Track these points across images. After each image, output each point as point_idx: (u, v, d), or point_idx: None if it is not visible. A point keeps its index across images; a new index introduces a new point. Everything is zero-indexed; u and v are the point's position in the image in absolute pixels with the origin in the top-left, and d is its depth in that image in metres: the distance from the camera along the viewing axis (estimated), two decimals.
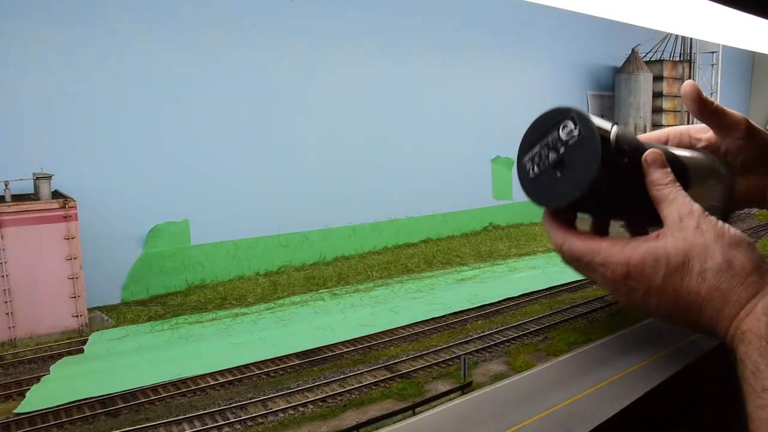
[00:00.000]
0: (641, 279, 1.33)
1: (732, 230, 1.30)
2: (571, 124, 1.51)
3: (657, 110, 7.81)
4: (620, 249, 1.37)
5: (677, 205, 1.36)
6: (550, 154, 1.56)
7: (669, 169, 1.44)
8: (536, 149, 1.56)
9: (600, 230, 1.57)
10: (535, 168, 1.57)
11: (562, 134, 1.55)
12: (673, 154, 1.64)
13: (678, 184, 1.41)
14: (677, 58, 8.15)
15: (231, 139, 3.94)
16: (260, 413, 1.73)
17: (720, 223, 1.31)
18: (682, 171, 1.60)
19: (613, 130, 1.48)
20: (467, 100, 5.38)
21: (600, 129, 1.49)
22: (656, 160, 1.46)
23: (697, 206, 1.34)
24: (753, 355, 1.10)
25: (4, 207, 2.49)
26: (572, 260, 1.47)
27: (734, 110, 1.75)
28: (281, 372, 2.10)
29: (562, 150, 1.52)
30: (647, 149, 1.54)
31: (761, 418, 1.03)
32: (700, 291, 1.26)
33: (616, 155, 1.45)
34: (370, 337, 2.44)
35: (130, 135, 3.50)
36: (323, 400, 1.78)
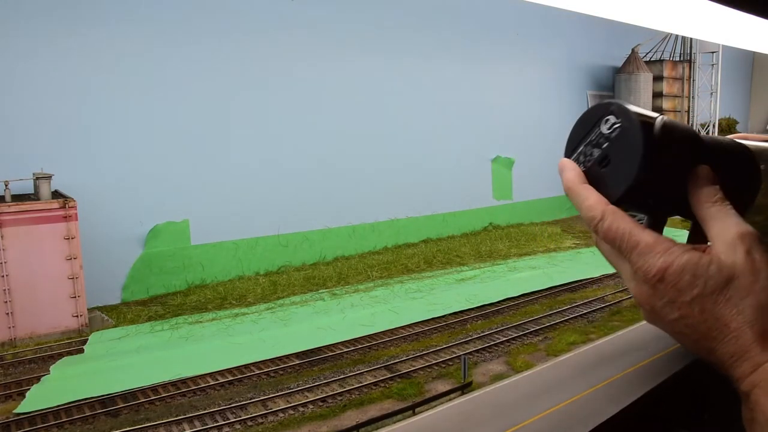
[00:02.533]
0: (672, 288, 1.25)
1: None
2: (612, 118, 1.50)
3: (657, 110, 7.85)
4: (663, 249, 1.27)
5: (727, 225, 1.27)
6: (594, 151, 1.53)
7: (717, 188, 1.34)
8: (581, 147, 1.56)
9: (655, 229, 1.50)
10: (581, 167, 1.57)
11: (605, 129, 1.51)
12: (743, 146, 1.59)
13: (727, 203, 1.31)
14: (677, 58, 8.17)
15: (231, 139, 3.94)
16: (260, 413, 1.72)
17: None
18: (750, 166, 1.55)
19: (659, 120, 1.46)
20: (467, 100, 5.39)
21: (642, 117, 1.48)
22: (703, 177, 1.35)
23: (750, 229, 1.25)
24: None
25: (4, 207, 2.48)
26: (607, 239, 1.35)
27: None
28: (281, 372, 2.09)
29: (605, 145, 1.52)
30: (705, 141, 1.50)
31: None
32: (730, 323, 1.18)
33: (662, 145, 1.44)
34: (370, 337, 2.43)
35: (131, 136, 3.50)
36: (323, 400, 1.77)
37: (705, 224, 1.31)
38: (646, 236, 1.33)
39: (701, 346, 1.24)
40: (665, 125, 1.48)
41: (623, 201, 1.51)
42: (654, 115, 1.54)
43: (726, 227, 1.26)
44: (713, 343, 1.22)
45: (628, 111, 1.51)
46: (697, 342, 1.25)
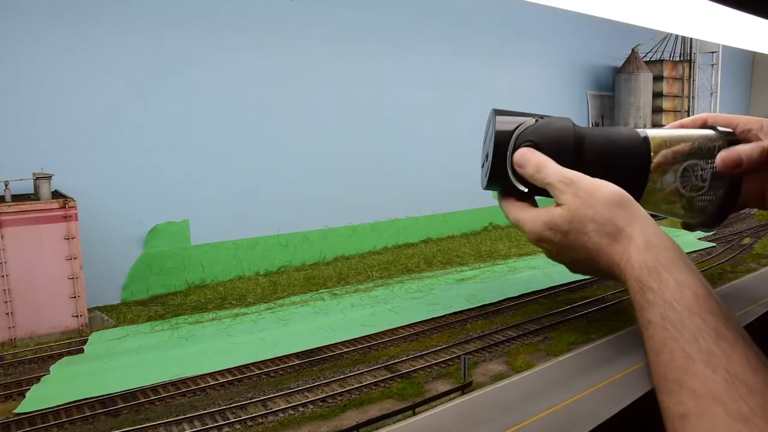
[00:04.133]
0: (550, 242, 1.59)
1: (604, 189, 1.46)
2: (490, 123, 1.88)
3: (657, 110, 7.83)
4: (531, 219, 1.64)
5: (552, 179, 1.57)
6: (483, 148, 1.89)
7: (532, 160, 1.64)
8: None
9: None
10: (482, 161, 1.95)
11: (489, 131, 1.83)
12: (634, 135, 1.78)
13: (550, 166, 1.59)
14: (677, 58, 8.15)
15: (231, 139, 3.95)
16: (260, 413, 1.73)
17: (594, 185, 1.48)
18: (643, 153, 1.69)
19: (521, 127, 1.75)
20: (467, 100, 5.39)
21: (506, 124, 1.81)
22: (520, 160, 1.68)
23: (566, 175, 1.54)
24: (636, 298, 1.26)
25: (4, 207, 2.49)
26: (512, 224, 1.79)
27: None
28: (281, 372, 2.10)
29: (487, 143, 1.86)
30: (589, 140, 1.73)
31: (649, 345, 1.18)
32: (594, 248, 1.46)
33: (516, 149, 1.72)
34: (370, 337, 2.44)
35: (131, 135, 3.50)
36: (323, 400, 1.78)
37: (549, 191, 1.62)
38: (522, 214, 1.72)
39: (596, 270, 1.53)
40: (523, 133, 1.75)
41: (500, 190, 1.90)
42: (521, 121, 1.79)
43: (552, 182, 1.56)
44: (595, 265, 1.51)
45: (493, 118, 1.85)
46: (593, 269, 1.55)
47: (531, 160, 1.65)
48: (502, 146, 1.75)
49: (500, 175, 1.76)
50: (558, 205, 1.55)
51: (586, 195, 1.47)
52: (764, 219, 4.74)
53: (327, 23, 4.46)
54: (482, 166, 1.91)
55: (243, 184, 4.05)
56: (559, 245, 1.56)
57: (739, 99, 11.16)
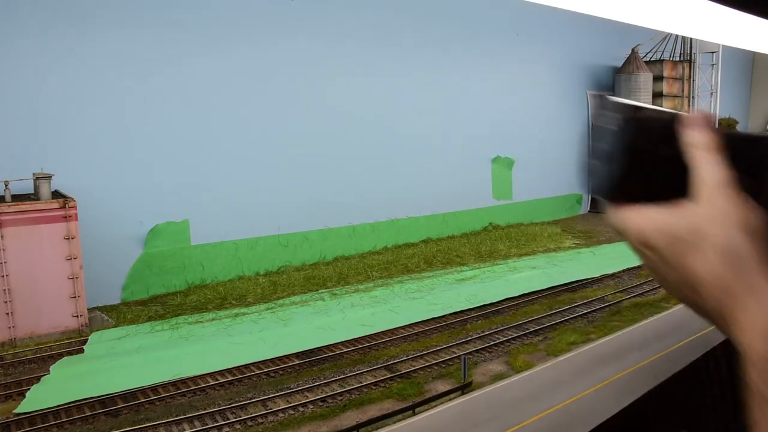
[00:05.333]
0: (654, 249, 1.26)
1: (756, 212, 1.13)
2: (606, 112, 1.44)
3: None
4: (640, 217, 1.31)
5: (700, 171, 1.22)
6: (595, 148, 1.52)
7: (709, 133, 1.27)
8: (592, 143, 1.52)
9: None
10: (591, 161, 1.53)
11: (602, 122, 1.48)
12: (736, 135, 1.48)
13: (715, 150, 1.24)
14: (677, 58, 8.15)
15: (231, 140, 3.94)
16: (260, 413, 1.72)
17: (745, 201, 1.16)
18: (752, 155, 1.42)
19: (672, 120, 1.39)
20: (467, 100, 5.39)
21: (623, 107, 1.44)
22: (698, 121, 1.29)
23: (717, 175, 1.19)
24: (753, 376, 1.01)
25: (4, 207, 2.48)
26: (614, 230, 1.40)
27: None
28: (281, 372, 2.09)
29: (604, 139, 1.48)
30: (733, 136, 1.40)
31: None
32: (704, 275, 1.16)
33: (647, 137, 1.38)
34: (370, 337, 2.43)
35: (131, 136, 3.50)
36: (323, 400, 1.77)
37: (692, 172, 1.27)
38: (635, 212, 1.33)
39: (695, 303, 1.21)
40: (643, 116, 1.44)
41: (620, 194, 1.52)
42: (634, 105, 1.50)
43: (699, 173, 1.22)
44: (699, 298, 1.19)
45: (617, 109, 1.47)
46: (691, 300, 1.22)
47: (704, 131, 1.27)
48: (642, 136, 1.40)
49: (631, 177, 1.47)
50: (681, 206, 1.24)
51: (730, 206, 1.17)
52: None
53: (328, 24, 4.46)
54: (591, 171, 1.45)
55: (243, 184, 4.04)
56: (664, 258, 1.26)
57: (739, 99, 11.18)
